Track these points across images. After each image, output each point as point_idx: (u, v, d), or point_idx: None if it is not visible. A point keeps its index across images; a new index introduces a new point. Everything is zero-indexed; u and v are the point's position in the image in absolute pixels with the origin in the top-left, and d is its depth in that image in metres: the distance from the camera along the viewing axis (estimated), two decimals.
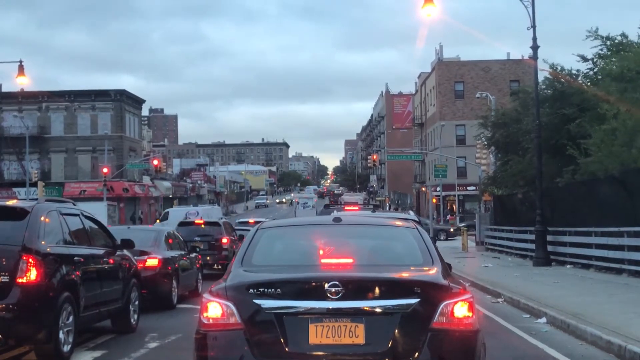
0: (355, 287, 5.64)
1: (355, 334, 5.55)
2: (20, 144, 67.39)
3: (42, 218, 9.25)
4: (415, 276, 6.01)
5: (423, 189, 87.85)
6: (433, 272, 6.10)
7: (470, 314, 5.73)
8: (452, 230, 52.94)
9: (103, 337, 11.12)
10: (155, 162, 70.54)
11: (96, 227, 11.21)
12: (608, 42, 27.11)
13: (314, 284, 5.67)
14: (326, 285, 5.57)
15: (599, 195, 21.71)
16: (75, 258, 9.68)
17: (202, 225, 25.25)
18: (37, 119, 73.20)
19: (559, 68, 29.19)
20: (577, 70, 29.13)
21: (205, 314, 5.78)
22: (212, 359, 5.70)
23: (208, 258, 22.41)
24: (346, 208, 37.76)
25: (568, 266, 23.12)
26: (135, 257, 12.89)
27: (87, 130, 73.82)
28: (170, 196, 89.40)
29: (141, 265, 13.68)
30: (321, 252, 6.66)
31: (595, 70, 28.43)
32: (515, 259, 28.79)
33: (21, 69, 34.39)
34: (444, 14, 56.77)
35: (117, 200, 68.44)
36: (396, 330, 5.53)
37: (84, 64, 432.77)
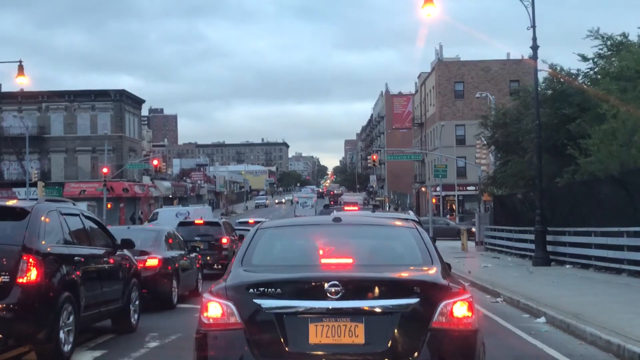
0: (355, 287, 5.66)
1: (355, 334, 5.56)
2: (20, 144, 67.40)
3: (42, 218, 9.26)
4: (414, 276, 6.02)
5: (423, 189, 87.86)
6: (432, 272, 6.11)
7: (469, 314, 5.74)
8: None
9: (103, 337, 11.13)
10: (155, 162, 70.54)
11: (96, 227, 11.22)
12: (608, 42, 27.15)
13: (313, 283, 5.68)
14: (326, 285, 5.59)
15: (598, 195, 21.72)
16: (76, 258, 9.69)
17: (202, 225, 25.26)
18: (37, 119, 73.20)
19: (559, 68, 29.22)
20: (577, 70, 29.19)
21: (205, 314, 5.79)
22: (212, 359, 5.71)
23: (208, 258, 22.41)
24: (346, 208, 37.70)
25: (568, 266, 23.13)
26: (135, 257, 12.91)
27: (87, 130, 73.82)
28: (170, 196, 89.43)
29: (141, 265, 13.69)
30: (321, 252, 6.66)
31: (595, 70, 28.47)
32: (515, 259, 28.80)
33: (21, 69, 34.38)
34: (444, 14, 56.76)
35: (117, 200, 68.49)
36: (396, 330, 5.54)
37: (83, 64, 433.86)
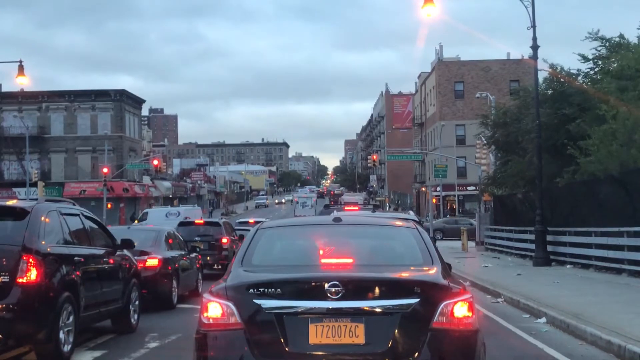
0: (355, 287, 5.65)
1: (355, 334, 5.56)
2: (20, 144, 67.42)
3: (42, 218, 9.26)
4: (415, 276, 6.01)
5: (423, 189, 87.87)
6: (433, 272, 6.11)
7: (470, 314, 5.73)
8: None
9: (103, 337, 11.12)
10: (155, 162, 70.56)
11: (96, 227, 11.21)
12: (607, 44, 27.18)
13: (314, 283, 5.67)
14: (326, 285, 5.58)
15: (598, 195, 21.72)
16: (76, 258, 9.69)
17: (202, 225, 25.28)
18: (37, 119, 73.23)
19: (559, 68, 29.23)
20: (577, 70, 29.20)
21: (205, 314, 5.78)
22: (212, 359, 5.71)
23: (208, 258, 22.39)
24: (346, 208, 37.73)
25: (568, 266, 23.13)
26: (135, 257, 12.90)
27: (87, 130, 73.85)
28: (171, 196, 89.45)
29: (141, 265, 13.68)
30: (321, 252, 6.66)
31: (595, 70, 28.49)
32: (515, 259, 28.79)
33: (21, 69, 34.37)
34: (444, 14, 56.75)
35: (117, 200, 68.51)
36: (396, 330, 5.54)
37: (83, 64, 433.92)
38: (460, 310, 5.70)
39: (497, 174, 37.05)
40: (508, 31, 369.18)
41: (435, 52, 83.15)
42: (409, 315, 5.56)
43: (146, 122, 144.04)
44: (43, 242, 8.97)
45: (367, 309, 5.59)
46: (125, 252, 11.99)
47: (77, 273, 9.58)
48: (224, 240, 23.78)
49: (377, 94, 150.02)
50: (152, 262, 14.71)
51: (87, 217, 10.91)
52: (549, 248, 24.53)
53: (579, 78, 29.08)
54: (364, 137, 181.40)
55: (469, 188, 68.66)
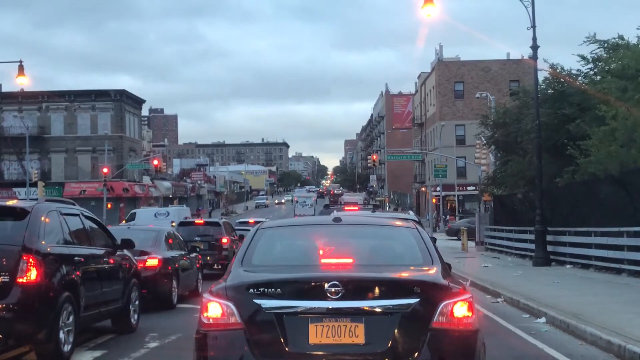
0: (355, 287, 5.65)
1: (355, 334, 5.56)
2: (20, 144, 67.44)
3: (42, 218, 9.26)
4: (415, 276, 6.01)
5: (423, 189, 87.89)
6: (433, 272, 6.11)
7: (470, 314, 5.73)
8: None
9: (103, 337, 11.12)
10: (155, 162, 70.60)
11: (96, 227, 11.21)
12: (605, 45, 27.21)
13: (314, 283, 5.67)
14: (326, 285, 5.58)
15: (598, 195, 21.73)
16: (76, 258, 9.69)
17: (202, 225, 25.30)
18: (37, 119, 73.24)
19: (559, 68, 29.24)
20: (577, 70, 29.21)
21: (205, 314, 5.78)
22: (212, 359, 5.71)
23: (208, 258, 22.40)
24: (346, 208, 37.71)
25: (568, 266, 23.13)
26: (135, 257, 12.91)
27: (87, 130, 73.87)
28: (171, 196, 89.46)
29: (141, 265, 13.68)
30: (321, 252, 6.66)
31: (595, 70, 28.51)
32: (515, 259, 28.79)
33: (21, 69, 34.38)
34: (444, 14, 56.77)
35: (117, 200, 68.52)
36: (396, 330, 5.54)
37: (82, 64, 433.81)
38: (460, 310, 5.70)
39: (497, 174, 37.07)
40: (508, 31, 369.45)
41: (435, 52, 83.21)
42: (409, 315, 5.56)
43: (146, 122, 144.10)
44: (43, 242, 8.97)
45: (367, 308, 5.59)
46: (125, 252, 11.99)
47: (77, 273, 9.58)
48: (224, 240, 23.80)
49: (377, 94, 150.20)
50: (152, 262, 14.71)
51: (87, 217, 10.92)
52: (549, 248, 24.53)
53: (579, 78, 29.09)
54: (364, 137, 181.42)
55: (468, 188, 68.66)
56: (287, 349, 5.54)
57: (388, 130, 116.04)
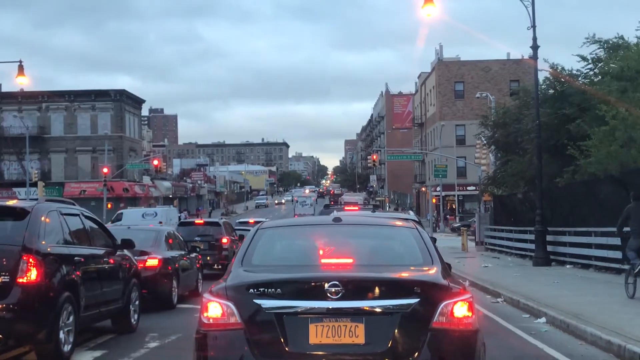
0: (355, 287, 5.65)
1: (355, 334, 5.56)
2: (20, 144, 67.44)
3: (42, 218, 9.26)
4: (415, 276, 6.01)
5: (423, 189, 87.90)
6: (433, 272, 6.11)
7: (470, 314, 5.73)
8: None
9: (103, 337, 11.12)
10: (155, 162, 70.62)
11: (96, 227, 11.21)
12: (605, 45, 27.22)
13: (314, 283, 5.67)
14: (326, 285, 5.58)
15: (598, 195, 21.72)
16: (76, 258, 9.69)
17: (202, 225, 25.30)
18: (37, 119, 73.24)
19: (560, 68, 29.25)
20: (577, 71, 29.21)
21: (205, 314, 5.78)
22: (212, 359, 5.71)
23: (208, 258, 22.40)
24: (346, 208, 37.73)
25: (568, 266, 23.13)
26: (135, 257, 12.91)
27: (87, 130, 73.87)
28: (171, 196, 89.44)
29: (141, 265, 13.68)
30: (321, 252, 6.66)
31: (595, 70, 28.52)
32: (515, 259, 28.80)
33: (21, 69, 34.38)
34: (443, 13, 56.78)
35: (117, 200, 68.50)
36: (396, 330, 5.54)
37: (82, 65, 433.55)
38: (460, 310, 5.70)
39: (497, 174, 37.09)
40: (508, 31, 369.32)
41: (435, 52, 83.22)
42: (409, 315, 5.56)
43: (146, 122, 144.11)
44: (43, 242, 8.97)
45: (367, 309, 5.59)
46: (125, 252, 11.99)
47: (77, 273, 9.58)
48: (224, 240, 23.79)
49: (377, 94, 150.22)
50: (152, 262, 14.71)
51: (87, 217, 10.92)
52: (549, 248, 24.53)
53: (579, 78, 29.10)
54: (364, 137, 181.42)
55: (469, 188, 68.68)
56: (287, 349, 5.54)
57: (388, 130, 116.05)
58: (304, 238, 7.06)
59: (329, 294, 5.56)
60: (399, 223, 7.74)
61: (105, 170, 61.69)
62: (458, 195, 72.54)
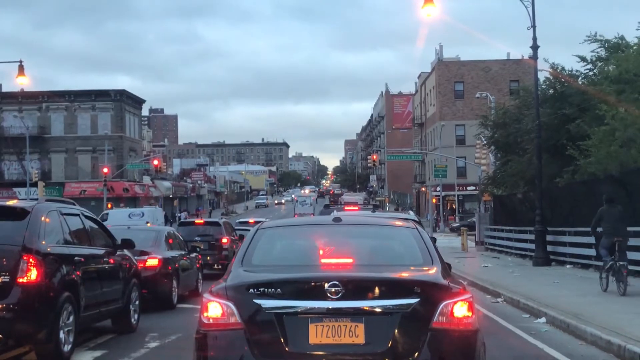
0: (355, 287, 5.65)
1: (355, 334, 5.56)
2: (20, 144, 67.43)
3: (43, 218, 9.26)
4: (415, 276, 6.01)
5: (423, 189, 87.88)
6: (433, 272, 6.11)
7: (469, 314, 5.73)
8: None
9: (103, 337, 11.12)
10: (156, 162, 70.61)
11: (96, 227, 11.21)
12: (606, 44, 27.22)
13: (314, 283, 5.67)
14: (326, 285, 5.58)
15: (598, 195, 21.69)
16: (76, 258, 9.69)
17: (202, 225, 25.31)
18: (37, 119, 73.23)
19: (560, 68, 29.25)
20: (577, 71, 29.22)
21: (205, 314, 5.78)
22: (212, 359, 5.71)
23: (208, 258, 22.40)
24: (346, 208, 37.77)
25: (568, 266, 23.13)
26: (135, 257, 12.91)
27: (87, 130, 73.87)
28: (171, 196, 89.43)
29: (141, 265, 13.68)
30: (321, 252, 6.66)
31: (594, 71, 28.53)
32: (515, 259, 28.80)
33: (21, 69, 34.38)
34: (443, 13, 56.78)
35: (117, 201, 68.48)
36: (396, 330, 5.54)
37: (81, 65, 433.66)
38: (460, 310, 5.70)
39: (497, 174, 37.08)
40: (508, 31, 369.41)
41: (435, 52, 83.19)
42: (409, 315, 5.56)
43: (146, 122, 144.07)
44: (43, 242, 8.97)
45: (367, 308, 5.59)
46: (125, 252, 11.99)
47: (77, 273, 9.58)
48: (224, 240, 23.79)
49: (376, 94, 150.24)
50: (152, 262, 14.72)
51: (87, 217, 10.92)
52: (549, 248, 24.53)
53: (579, 79, 29.10)
54: (364, 137, 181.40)
55: (468, 188, 68.66)
56: (287, 349, 5.54)
57: (388, 130, 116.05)
58: (304, 238, 7.06)
59: (329, 294, 5.56)
60: (399, 223, 7.74)
61: (105, 170, 61.69)
62: (458, 195, 72.52)
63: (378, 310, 5.57)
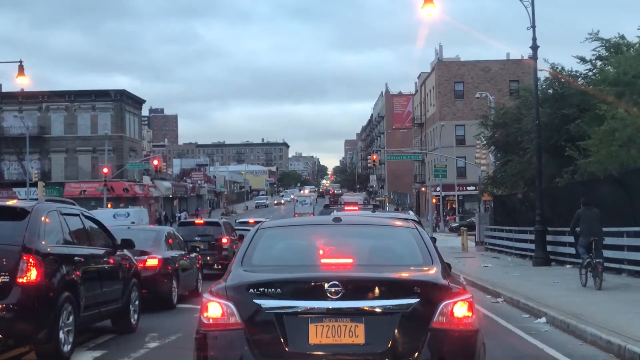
0: (355, 287, 5.65)
1: (355, 334, 5.56)
2: (20, 144, 67.42)
3: (42, 218, 9.26)
4: (415, 276, 6.01)
5: (423, 189, 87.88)
6: (433, 272, 6.11)
7: (469, 314, 5.73)
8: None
9: (103, 337, 11.12)
10: (156, 162, 70.59)
11: (96, 227, 11.21)
12: (607, 44, 27.20)
13: (313, 283, 5.67)
14: (326, 285, 5.58)
15: (598, 195, 21.71)
16: (76, 258, 9.69)
17: (202, 225, 25.31)
18: (37, 119, 73.20)
19: (559, 68, 29.24)
20: (577, 71, 29.21)
21: (205, 314, 5.78)
22: (212, 359, 5.71)
23: (208, 258, 22.40)
24: (346, 208, 37.72)
25: (568, 266, 23.12)
26: (135, 257, 12.91)
27: (87, 130, 73.85)
28: (171, 196, 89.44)
29: (141, 265, 13.68)
30: (321, 252, 6.66)
31: (594, 71, 28.51)
32: (515, 259, 28.80)
33: (21, 69, 34.37)
34: (443, 14, 56.78)
35: (117, 201, 68.48)
36: (396, 330, 5.54)
37: (80, 65, 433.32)
38: (460, 310, 5.70)
39: (497, 174, 37.08)
40: (508, 31, 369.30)
41: (435, 52, 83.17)
42: (409, 315, 5.56)
43: (146, 122, 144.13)
44: (43, 242, 8.97)
45: (367, 309, 5.59)
46: (125, 252, 11.99)
47: (77, 273, 9.58)
48: (224, 240, 23.79)
49: (376, 94, 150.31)
50: (152, 262, 14.72)
51: (87, 217, 10.92)
52: (549, 248, 24.54)
53: (579, 79, 29.09)
54: (364, 137, 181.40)
55: (468, 188, 68.64)
56: (287, 349, 5.54)
57: (388, 130, 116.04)
58: (304, 238, 7.06)
59: (329, 294, 5.56)
60: (399, 223, 7.74)
61: (105, 170, 61.69)
62: (458, 195, 72.51)
63: (378, 310, 5.57)
